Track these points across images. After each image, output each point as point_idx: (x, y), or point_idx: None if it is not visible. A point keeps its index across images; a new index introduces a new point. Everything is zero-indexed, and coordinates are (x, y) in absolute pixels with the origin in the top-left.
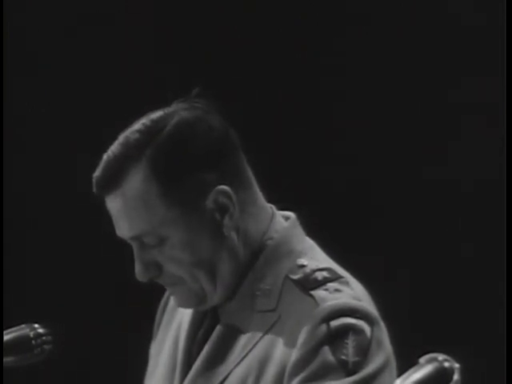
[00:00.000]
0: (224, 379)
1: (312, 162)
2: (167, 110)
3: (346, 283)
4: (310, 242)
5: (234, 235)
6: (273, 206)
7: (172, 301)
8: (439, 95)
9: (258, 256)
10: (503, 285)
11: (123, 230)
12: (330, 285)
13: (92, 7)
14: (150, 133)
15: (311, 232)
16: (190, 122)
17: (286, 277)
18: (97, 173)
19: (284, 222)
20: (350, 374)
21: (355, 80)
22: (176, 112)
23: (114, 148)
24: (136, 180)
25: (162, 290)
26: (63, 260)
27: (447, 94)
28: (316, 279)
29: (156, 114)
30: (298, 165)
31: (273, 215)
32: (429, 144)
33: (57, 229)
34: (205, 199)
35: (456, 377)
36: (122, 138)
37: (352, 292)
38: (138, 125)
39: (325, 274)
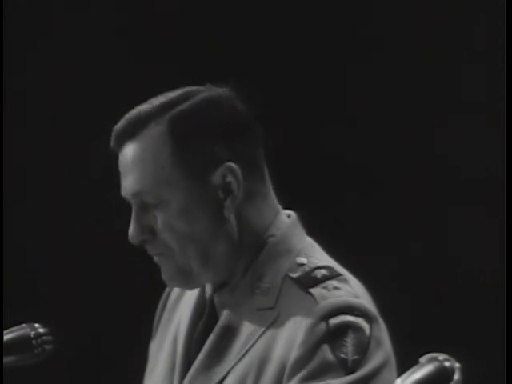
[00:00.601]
0: (223, 377)
1: (312, 162)
2: (198, 87)
3: (345, 281)
4: (309, 241)
5: (232, 220)
6: (280, 206)
7: (171, 300)
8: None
9: (259, 253)
10: (503, 285)
11: (128, 183)
12: (329, 283)
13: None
14: (176, 99)
15: (311, 231)
16: (217, 98)
17: (286, 275)
18: (117, 125)
19: (286, 219)
20: (349, 372)
21: (354, 79)
22: (207, 89)
23: (139, 106)
24: (152, 134)
25: (161, 289)
26: (63, 260)
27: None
28: (315, 277)
29: (187, 88)
30: (298, 165)
31: (278, 213)
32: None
33: (57, 229)
34: (213, 172)
35: (456, 376)
36: (150, 100)
37: (351, 290)
38: (169, 92)
39: (324, 272)
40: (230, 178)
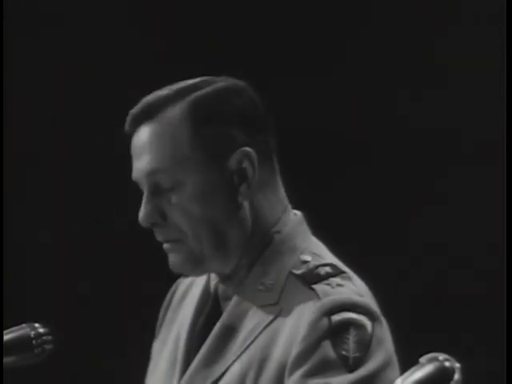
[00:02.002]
0: (224, 373)
1: (312, 163)
2: (216, 77)
3: (349, 278)
4: (314, 240)
5: (246, 207)
6: (288, 203)
7: (175, 300)
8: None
9: (264, 249)
10: (504, 284)
11: (143, 163)
12: (333, 279)
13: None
14: (196, 85)
15: (315, 231)
16: (235, 87)
17: (290, 272)
18: (133, 109)
19: (294, 217)
20: (350, 369)
21: (353, 77)
22: (224, 79)
23: (156, 92)
24: (172, 114)
25: (162, 289)
26: (63, 260)
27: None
28: (319, 274)
29: (205, 77)
30: (297, 164)
31: (286, 209)
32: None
33: (57, 229)
34: (229, 156)
35: (457, 376)
36: (167, 87)
37: (354, 288)
38: (189, 80)
39: (327, 269)
40: (245, 164)
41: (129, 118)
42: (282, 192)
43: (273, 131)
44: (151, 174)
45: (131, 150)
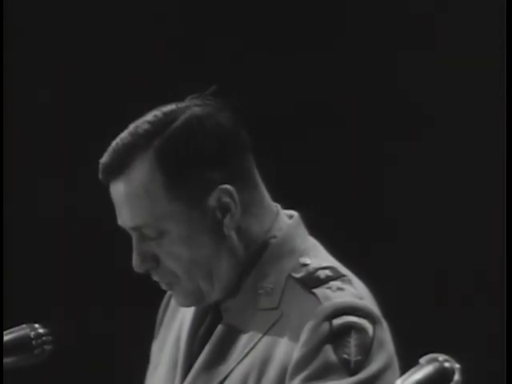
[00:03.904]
0: (225, 377)
1: (312, 163)
2: (180, 104)
3: (349, 282)
4: (312, 241)
5: (233, 235)
6: (278, 205)
7: (174, 300)
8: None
9: (261, 254)
10: (504, 284)
11: (125, 218)
12: (333, 283)
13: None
14: (159, 124)
15: (313, 231)
16: (200, 117)
17: (289, 275)
18: (103, 159)
19: (288, 220)
20: (351, 373)
21: (353, 76)
22: (188, 107)
23: (122, 136)
24: (141, 169)
25: (162, 290)
26: (63, 260)
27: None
28: (318, 277)
29: (168, 107)
30: (297, 165)
31: (277, 214)
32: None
33: (57, 229)
34: (208, 197)
35: (456, 377)
36: (131, 127)
37: (354, 291)
38: (149, 116)
39: (327, 272)
40: (225, 199)
41: (100, 169)
42: (267, 199)
43: (248, 144)
44: (134, 229)
45: (112, 199)
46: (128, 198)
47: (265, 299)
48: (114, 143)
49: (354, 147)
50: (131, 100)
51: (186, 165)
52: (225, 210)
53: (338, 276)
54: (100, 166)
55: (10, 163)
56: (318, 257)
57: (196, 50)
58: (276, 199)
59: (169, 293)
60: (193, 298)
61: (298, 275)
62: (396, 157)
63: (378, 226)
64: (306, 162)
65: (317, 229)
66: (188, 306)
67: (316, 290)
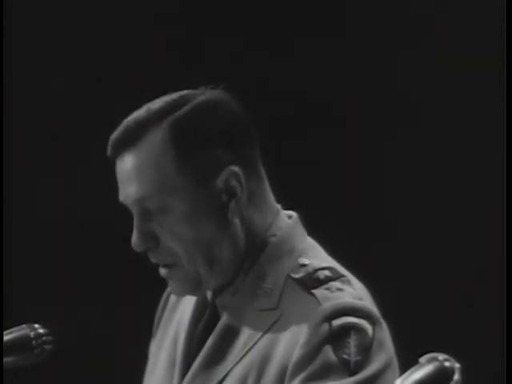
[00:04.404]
0: (224, 377)
1: (312, 163)
2: (195, 90)
3: (348, 282)
4: (311, 242)
5: (237, 222)
6: (278, 205)
7: (172, 300)
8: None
9: (260, 253)
10: (504, 284)
11: (129, 192)
12: (332, 284)
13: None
14: (174, 103)
15: (313, 231)
16: (215, 101)
17: (288, 276)
18: (114, 134)
19: (287, 220)
20: (351, 373)
21: (353, 76)
22: (203, 92)
23: (135, 113)
24: (153, 141)
25: (161, 289)
26: (63, 260)
27: None
28: (318, 278)
29: (183, 91)
30: (297, 165)
31: (278, 213)
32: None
33: (57, 229)
34: (216, 177)
35: (456, 376)
36: (146, 106)
37: (354, 291)
38: (164, 97)
39: (327, 273)
40: (233, 182)
41: (110, 144)
42: (271, 197)
43: (256, 138)
44: (139, 202)
45: (116, 174)
46: (136, 169)
47: (263, 300)
48: (125, 121)
49: (353, 147)
50: (131, 100)
51: (198, 142)
52: (231, 193)
53: (338, 277)
54: (110, 141)
55: (10, 163)
56: (316, 257)
57: (196, 50)
58: (276, 199)
59: (167, 292)
60: (190, 284)
61: (297, 276)
62: (396, 157)
63: (378, 226)
64: (306, 162)
65: (316, 229)
66: (184, 294)
67: (315, 291)
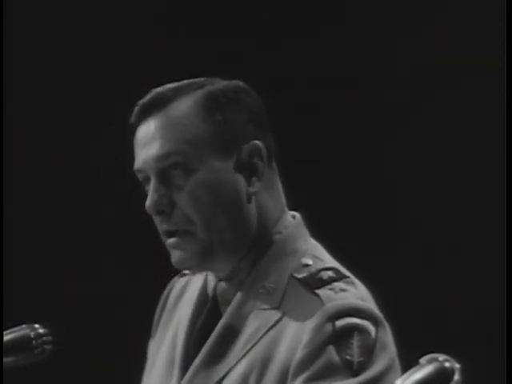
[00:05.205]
0: (224, 376)
1: (312, 163)
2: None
3: (352, 283)
4: (313, 242)
5: (254, 202)
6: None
7: (171, 300)
8: None
9: (265, 251)
10: (504, 285)
11: (153, 150)
12: (336, 284)
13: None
14: (205, 81)
15: (313, 232)
16: (246, 87)
17: (291, 275)
18: (142, 100)
19: (292, 220)
20: (354, 374)
21: (353, 75)
22: (232, 80)
23: (165, 86)
24: (185, 103)
25: (161, 288)
26: (63, 260)
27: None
28: (321, 278)
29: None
30: (297, 165)
31: (285, 211)
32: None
33: (57, 229)
34: (242, 147)
35: (457, 377)
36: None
37: (357, 292)
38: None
39: (330, 273)
40: (256, 158)
41: (137, 109)
42: (281, 191)
43: (273, 135)
44: (163, 158)
45: (136, 141)
46: (163, 128)
47: (266, 299)
48: (154, 90)
49: (354, 147)
50: (131, 100)
51: (229, 108)
52: (253, 169)
53: (341, 277)
54: (137, 106)
55: (10, 163)
56: (319, 258)
57: (196, 50)
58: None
59: (166, 292)
60: (198, 255)
61: (300, 275)
62: (396, 157)
63: (378, 226)
64: (306, 162)
65: (316, 229)
66: (188, 267)
67: (319, 291)
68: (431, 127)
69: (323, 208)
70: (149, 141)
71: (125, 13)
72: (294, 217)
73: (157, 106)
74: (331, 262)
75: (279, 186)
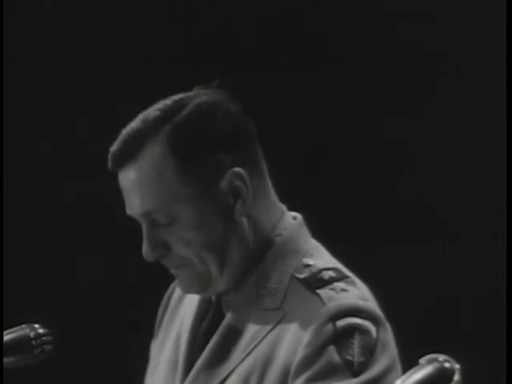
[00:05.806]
0: (227, 376)
1: (312, 163)
2: (188, 93)
3: (353, 283)
4: (314, 243)
5: (244, 222)
6: (283, 206)
7: (174, 300)
8: None
9: (266, 252)
10: (503, 285)
11: (135, 205)
12: (337, 284)
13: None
14: (170, 111)
15: (313, 232)
16: (210, 103)
17: (292, 276)
18: (114, 147)
19: (292, 220)
20: (355, 374)
21: (353, 78)
22: (197, 95)
23: (132, 124)
24: (153, 154)
25: (163, 289)
26: (63, 260)
27: None
28: (322, 278)
29: (177, 96)
30: (296, 165)
31: (283, 213)
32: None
33: (57, 229)
34: (219, 180)
35: (456, 377)
36: (141, 115)
37: (358, 292)
38: (158, 104)
39: (331, 273)
40: (237, 183)
41: (110, 158)
42: (273, 192)
43: (255, 135)
44: (145, 215)
45: (120, 187)
46: (138, 183)
47: (268, 299)
48: (123, 131)
49: (354, 147)
50: (131, 100)
51: (198, 148)
52: (236, 194)
53: (342, 277)
54: (110, 154)
55: (10, 163)
56: (320, 258)
57: (196, 50)
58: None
59: (169, 292)
60: (201, 283)
61: (301, 276)
62: (396, 157)
63: (378, 226)
64: (306, 162)
65: (318, 229)
66: (193, 292)
67: (320, 291)
68: (429, 122)
69: (323, 208)
70: (129, 193)
71: (125, 12)
72: (294, 218)
73: (127, 156)
74: (332, 262)
75: (270, 188)
